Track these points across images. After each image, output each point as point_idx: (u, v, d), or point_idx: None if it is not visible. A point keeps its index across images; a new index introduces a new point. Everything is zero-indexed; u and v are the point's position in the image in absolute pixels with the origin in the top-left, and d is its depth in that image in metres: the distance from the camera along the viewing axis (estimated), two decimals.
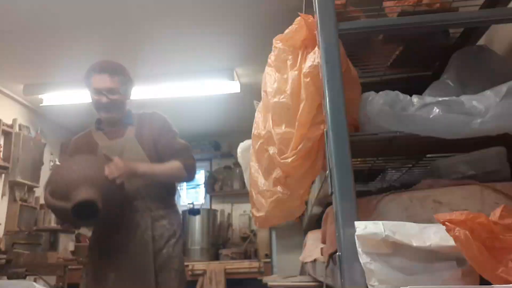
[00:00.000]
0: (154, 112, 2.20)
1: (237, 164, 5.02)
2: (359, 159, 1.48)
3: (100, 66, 1.99)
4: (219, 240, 4.94)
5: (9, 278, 3.03)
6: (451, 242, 0.75)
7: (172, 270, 1.92)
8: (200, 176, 5.63)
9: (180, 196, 5.52)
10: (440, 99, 1.03)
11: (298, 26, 1.21)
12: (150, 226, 1.90)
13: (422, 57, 1.54)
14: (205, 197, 5.45)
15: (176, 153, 2.01)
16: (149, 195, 1.95)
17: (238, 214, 5.25)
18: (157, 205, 1.96)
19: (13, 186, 3.96)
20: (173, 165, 1.95)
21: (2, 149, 3.90)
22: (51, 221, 3.95)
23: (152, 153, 1.98)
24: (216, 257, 4.72)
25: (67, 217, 1.64)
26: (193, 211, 4.81)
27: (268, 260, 4.63)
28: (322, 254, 1.68)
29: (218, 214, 5.12)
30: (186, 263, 4.37)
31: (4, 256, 3.22)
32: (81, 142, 2.08)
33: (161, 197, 2.00)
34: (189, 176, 2.04)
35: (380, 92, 1.09)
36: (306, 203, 2.58)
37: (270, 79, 1.27)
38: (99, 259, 1.88)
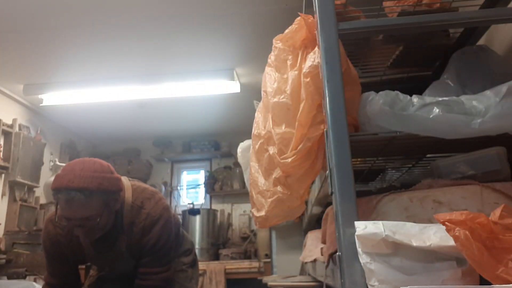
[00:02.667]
0: (149, 214, 1.68)
1: (237, 164, 5.02)
2: (359, 159, 1.48)
3: (68, 190, 1.45)
4: (219, 240, 4.94)
5: (9, 278, 3.03)
6: (451, 242, 0.75)
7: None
8: (200, 176, 5.64)
9: (180, 196, 5.53)
10: (440, 99, 1.03)
11: (298, 26, 1.21)
12: None
13: (422, 57, 1.54)
14: (205, 197, 5.45)
15: (149, 277, 1.70)
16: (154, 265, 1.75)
17: (238, 214, 5.25)
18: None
19: (13, 186, 3.96)
20: None
21: (2, 149, 3.90)
22: None
23: (137, 257, 1.74)
24: (216, 257, 4.72)
25: None
26: (193, 211, 4.81)
27: (268, 260, 4.63)
28: (322, 254, 1.68)
29: (218, 214, 5.12)
30: None
31: (4, 256, 3.22)
32: (65, 240, 1.69)
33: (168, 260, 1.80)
34: None
35: (380, 92, 1.09)
36: (306, 203, 2.58)
37: (270, 79, 1.27)
38: None
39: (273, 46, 1.29)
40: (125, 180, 1.73)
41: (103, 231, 1.61)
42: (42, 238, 1.73)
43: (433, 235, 0.80)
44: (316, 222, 3.34)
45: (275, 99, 1.21)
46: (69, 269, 1.77)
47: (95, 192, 1.47)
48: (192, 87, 3.76)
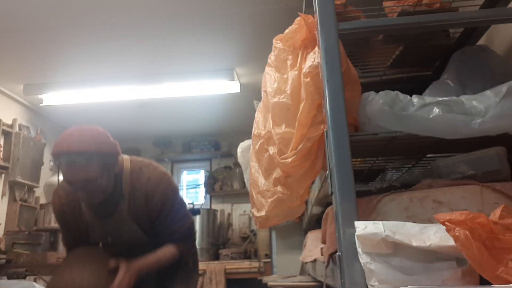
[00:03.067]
0: (150, 178, 1.71)
1: (237, 164, 5.02)
2: (359, 159, 1.48)
3: (69, 154, 1.51)
4: (219, 240, 4.94)
5: (9, 278, 3.03)
6: (451, 242, 0.75)
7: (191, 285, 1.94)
8: (200, 176, 5.64)
9: None
10: (440, 99, 1.03)
11: (298, 26, 1.21)
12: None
13: (422, 57, 1.54)
14: (205, 197, 5.45)
15: (175, 234, 1.76)
16: (152, 245, 1.78)
17: (238, 214, 5.25)
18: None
19: (13, 186, 3.96)
20: (168, 254, 1.73)
21: (2, 149, 3.90)
22: (51, 221, 3.95)
23: (147, 227, 1.75)
24: (216, 257, 4.72)
25: None
26: (193, 211, 4.81)
27: (268, 260, 4.63)
28: (322, 254, 1.68)
29: (218, 214, 5.12)
30: None
31: (4, 256, 3.22)
32: (68, 208, 1.74)
33: (184, 214, 1.85)
34: (181, 258, 1.80)
35: (380, 92, 1.09)
36: (306, 203, 2.58)
37: (270, 79, 1.27)
38: None
39: (273, 46, 1.29)
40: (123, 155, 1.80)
41: (105, 195, 1.63)
42: (53, 210, 1.82)
43: (433, 235, 0.80)
44: (316, 222, 3.34)
45: (275, 99, 1.21)
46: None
47: (94, 155, 1.52)
48: (192, 87, 3.76)
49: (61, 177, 1.62)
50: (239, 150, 2.04)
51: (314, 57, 1.13)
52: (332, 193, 0.97)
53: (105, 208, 1.70)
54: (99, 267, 1.58)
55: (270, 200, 1.26)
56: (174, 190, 1.78)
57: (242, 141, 2.04)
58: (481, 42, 1.58)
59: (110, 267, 1.59)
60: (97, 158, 1.53)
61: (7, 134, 3.98)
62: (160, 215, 1.71)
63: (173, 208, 1.74)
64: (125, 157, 1.78)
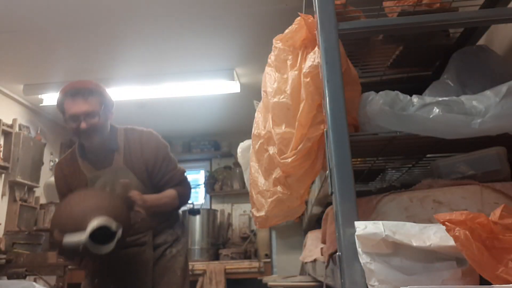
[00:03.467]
0: (143, 132, 1.98)
1: (237, 164, 5.02)
2: (359, 159, 1.48)
3: (73, 89, 1.78)
4: (219, 240, 4.94)
5: (9, 278, 3.02)
6: (451, 242, 0.75)
7: (179, 269, 1.94)
8: (200, 176, 5.64)
9: None
10: (440, 99, 1.03)
11: (298, 26, 1.21)
12: (151, 243, 1.90)
13: (422, 57, 1.54)
14: (205, 197, 5.45)
15: (172, 181, 1.94)
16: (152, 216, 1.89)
17: (238, 214, 5.25)
18: (158, 221, 1.93)
19: (13, 186, 3.96)
20: (169, 195, 1.89)
21: (2, 149, 3.90)
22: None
23: (144, 180, 1.89)
24: (216, 257, 4.72)
25: (79, 251, 1.51)
26: (193, 211, 4.81)
27: (268, 260, 4.63)
28: (322, 254, 1.68)
29: (218, 214, 5.12)
30: None
31: (4, 256, 3.22)
32: (68, 170, 1.92)
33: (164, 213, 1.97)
34: (180, 205, 2.01)
35: (380, 92, 1.09)
36: (306, 203, 2.58)
37: (270, 79, 1.27)
38: (100, 270, 1.85)
39: (273, 46, 1.29)
40: None
41: (102, 137, 1.83)
42: (55, 182, 2.00)
43: (433, 235, 0.80)
44: (316, 222, 3.34)
45: (275, 99, 1.21)
46: None
47: (94, 91, 1.79)
48: (192, 87, 3.76)
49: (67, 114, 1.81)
50: (239, 150, 2.04)
51: (314, 57, 1.13)
52: (332, 193, 0.97)
53: (102, 158, 1.88)
54: (109, 193, 1.72)
55: (270, 200, 1.26)
56: (165, 144, 2.01)
57: (242, 141, 2.04)
58: (481, 42, 1.57)
59: (120, 192, 1.72)
60: (97, 95, 1.79)
61: (7, 134, 3.98)
62: (156, 164, 1.91)
63: (166, 158, 1.95)
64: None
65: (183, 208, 2.34)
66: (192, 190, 2.10)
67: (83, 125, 1.75)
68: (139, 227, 1.87)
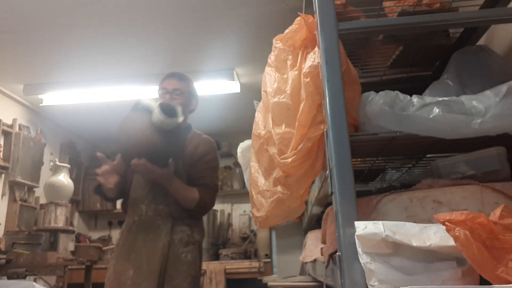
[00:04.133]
0: (207, 137, 2.24)
1: (237, 164, 5.02)
2: (359, 159, 1.48)
3: (172, 72, 2.17)
4: (219, 240, 4.94)
5: (9, 278, 3.03)
6: (451, 242, 0.75)
7: (189, 276, 1.93)
8: None
9: None
10: (440, 99, 1.03)
11: (298, 26, 1.21)
12: (170, 231, 1.94)
13: (422, 57, 1.54)
14: None
15: (201, 183, 2.00)
16: (174, 202, 1.97)
17: (238, 214, 5.25)
18: (180, 213, 1.98)
19: (13, 186, 3.96)
20: (192, 193, 1.95)
21: (2, 149, 3.90)
22: (51, 221, 3.95)
23: (185, 168, 2.00)
24: (216, 257, 4.72)
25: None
26: None
27: (268, 260, 4.63)
28: (322, 254, 1.68)
29: (218, 214, 5.12)
30: None
31: (4, 256, 3.22)
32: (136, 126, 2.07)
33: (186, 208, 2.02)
34: (194, 211, 2.00)
35: (380, 92, 1.09)
36: (306, 203, 2.58)
37: (270, 79, 1.27)
38: (120, 254, 1.93)
39: (273, 46, 1.29)
40: None
41: (184, 117, 1.90)
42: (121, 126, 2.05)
43: (433, 235, 0.80)
44: (316, 222, 3.34)
45: (275, 99, 1.21)
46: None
47: (187, 79, 2.15)
48: None
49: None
50: (239, 150, 2.04)
51: (314, 57, 1.13)
52: (332, 193, 0.97)
53: (173, 136, 1.95)
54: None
55: (270, 200, 1.26)
56: (217, 159, 2.18)
57: (242, 141, 2.04)
58: (481, 42, 1.57)
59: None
60: (189, 82, 2.15)
61: (7, 134, 3.98)
62: (202, 159, 2.04)
63: (212, 162, 2.10)
64: None
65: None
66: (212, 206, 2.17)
67: (168, 96, 2.06)
68: (160, 212, 1.95)
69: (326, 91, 1.02)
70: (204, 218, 5.08)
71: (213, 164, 2.11)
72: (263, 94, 1.32)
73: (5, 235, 3.60)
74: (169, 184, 1.89)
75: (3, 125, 3.91)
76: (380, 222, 0.83)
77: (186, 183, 1.97)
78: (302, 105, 1.11)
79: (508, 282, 0.69)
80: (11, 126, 4.02)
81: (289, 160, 1.13)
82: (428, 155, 1.38)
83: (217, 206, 5.28)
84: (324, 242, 1.44)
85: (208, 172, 2.05)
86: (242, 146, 2.02)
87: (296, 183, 1.20)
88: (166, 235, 1.92)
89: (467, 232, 0.73)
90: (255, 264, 4.45)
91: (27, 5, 2.63)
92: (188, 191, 1.95)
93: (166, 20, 2.87)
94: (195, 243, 2.02)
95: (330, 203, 1.06)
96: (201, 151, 2.08)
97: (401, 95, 1.07)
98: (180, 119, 1.77)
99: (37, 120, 4.43)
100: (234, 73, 3.65)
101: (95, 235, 5.30)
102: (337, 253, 0.92)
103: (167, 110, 1.75)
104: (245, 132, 2.32)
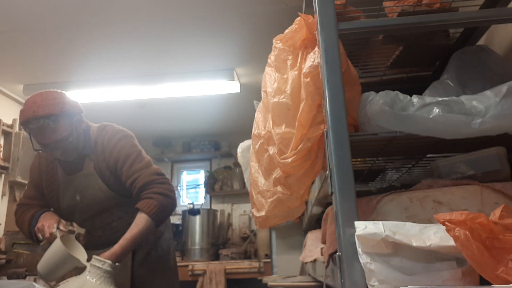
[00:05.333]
0: (107, 131, 1.80)
1: (237, 164, 5.02)
2: (359, 159, 1.48)
3: (29, 123, 1.61)
4: (219, 240, 4.93)
5: (9, 278, 3.03)
6: (451, 242, 0.75)
7: (167, 269, 1.91)
8: (200, 176, 5.64)
9: (180, 196, 5.52)
10: (440, 99, 1.03)
11: (298, 26, 1.21)
12: None
13: (422, 57, 1.54)
14: (205, 197, 5.45)
15: (139, 183, 1.69)
16: (130, 210, 1.77)
17: (238, 214, 5.25)
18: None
19: (13, 186, 3.96)
20: (138, 223, 1.63)
21: (2, 149, 3.90)
22: None
23: (114, 186, 1.76)
24: (216, 257, 4.72)
25: None
26: (193, 211, 4.81)
27: (268, 260, 4.63)
28: (322, 254, 1.68)
29: (218, 214, 5.12)
30: (186, 263, 4.39)
31: (4, 256, 3.22)
32: (45, 166, 1.86)
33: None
34: (161, 219, 1.68)
35: (380, 92, 1.09)
36: (306, 203, 2.58)
37: (270, 79, 1.27)
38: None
39: (273, 46, 1.29)
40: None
41: (78, 151, 1.75)
42: (30, 169, 1.92)
43: (433, 235, 0.80)
44: (316, 222, 3.34)
45: (275, 99, 1.21)
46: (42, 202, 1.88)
47: (60, 115, 1.64)
48: (192, 87, 3.76)
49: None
50: (239, 150, 2.04)
51: (314, 57, 1.13)
52: (332, 193, 0.97)
53: (74, 163, 1.79)
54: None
55: (270, 200, 1.26)
56: (130, 143, 1.79)
57: (242, 141, 2.04)
58: (481, 42, 1.57)
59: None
60: (63, 118, 1.66)
61: (7, 134, 3.98)
62: (117, 165, 1.74)
63: (129, 157, 1.74)
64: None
65: (180, 210, 2.21)
66: (175, 199, 1.76)
67: (57, 154, 1.71)
68: (117, 225, 1.81)
69: (326, 91, 1.02)
70: (204, 218, 5.08)
71: (130, 156, 1.74)
72: (263, 94, 1.32)
73: (5, 235, 3.61)
74: (121, 253, 1.61)
75: (3, 125, 3.90)
76: (380, 222, 0.83)
77: (134, 197, 1.71)
78: (302, 105, 1.11)
79: (508, 282, 0.69)
80: (11, 126, 4.02)
81: (289, 160, 1.13)
82: (428, 155, 1.38)
83: (217, 206, 5.29)
84: (324, 242, 1.44)
85: (133, 169, 1.71)
86: (242, 146, 2.02)
87: (296, 183, 1.20)
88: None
89: (467, 232, 0.73)
90: (255, 264, 4.45)
91: (27, 5, 2.63)
92: (138, 230, 1.62)
93: (166, 20, 2.87)
94: (161, 235, 1.91)
95: (330, 203, 1.06)
96: (109, 155, 1.75)
97: (401, 95, 1.07)
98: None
99: None
100: (234, 73, 3.65)
101: None
102: (337, 253, 0.92)
103: None
104: (245, 132, 2.32)
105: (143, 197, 1.67)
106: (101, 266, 1.55)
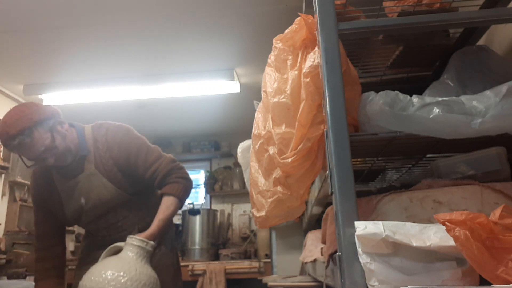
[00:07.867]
0: (109, 128, 1.80)
1: (237, 164, 5.02)
2: (359, 159, 1.48)
3: (7, 144, 1.58)
4: (219, 240, 4.94)
5: (9, 278, 3.03)
6: (451, 242, 0.75)
7: (170, 267, 1.92)
8: (200, 176, 5.64)
9: None
10: (440, 99, 1.03)
11: (298, 26, 1.21)
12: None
13: (422, 57, 1.54)
14: (205, 197, 5.45)
15: (162, 172, 1.76)
16: (134, 208, 1.85)
17: (238, 214, 5.25)
18: (144, 214, 1.89)
19: (13, 186, 3.96)
20: (169, 204, 1.74)
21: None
22: None
23: (121, 183, 1.77)
24: (216, 257, 4.72)
25: None
26: (193, 211, 4.81)
27: (268, 260, 4.63)
28: (322, 254, 1.68)
29: (218, 214, 5.12)
30: (186, 263, 4.39)
31: (4, 256, 3.22)
32: (42, 183, 1.84)
33: (147, 206, 1.91)
34: (184, 202, 1.82)
35: (380, 92, 1.09)
36: (306, 203, 2.58)
37: (270, 79, 1.27)
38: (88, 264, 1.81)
39: (273, 46, 1.29)
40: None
41: (72, 153, 1.72)
42: (30, 190, 1.90)
43: (433, 235, 0.80)
44: (316, 222, 3.34)
45: (275, 99, 1.21)
46: (54, 223, 1.87)
47: (33, 127, 1.59)
48: (192, 87, 3.76)
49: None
50: (239, 150, 2.04)
51: (314, 57, 1.13)
52: (332, 193, 0.97)
53: (73, 167, 1.76)
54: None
55: (270, 200, 1.26)
56: (135, 136, 1.82)
57: (242, 141, 2.04)
58: (481, 42, 1.57)
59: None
60: (37, 129, 1.60)
61: None
62: (129, 160, 1.76)
63: (141, 150, 1.78)
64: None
65: (184, 206, 2.20)
66: (193, 181, 1.89)
67: (49, 162, 1.67)
68: (122, 225, 1.84)
69: (326, 91, 1.02)
70: (204, 218, 5.08)
71: (142, 149, 1.77)
72: (263, 94, 1.32)
73: (5, 235, 3.61)
74: (159, 233, 1.71)
75: None
76: (380, 222, 0.83)
77: (155, 188, 1.82)
78: (302, 105, 1.11)
79: (508, 282, 0.69)
80: None
81: (289, 160, 1.13)
82: (428, 155, 1.38)
83: (217, 206, 5.29)
84: (324, 242, 1.44)
85: (150, 160, 1.76)
86: (242, 146, 2.02)
87: (296, 183, 1.20)
88: None
89: (467, 232, 0.73)
90: (255, 264, 4.45)
91: (27, 5, 2.63)
92: (167, 211, 1.73)
93: (166, 20, 2.87)
94: (166, 234, 1.94)
95: (330, 203, 1.06)
96: (116, 152, 1.75)
97: (401, 95, 1.07)
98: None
99: None
100: (234, 73, 3.66)
101: None
102: (337, 253, 0.92)
103: None
104: (245, 132, 2.32)
105: (168, 183, 1.77)
106: (144, 246, 1.60)
